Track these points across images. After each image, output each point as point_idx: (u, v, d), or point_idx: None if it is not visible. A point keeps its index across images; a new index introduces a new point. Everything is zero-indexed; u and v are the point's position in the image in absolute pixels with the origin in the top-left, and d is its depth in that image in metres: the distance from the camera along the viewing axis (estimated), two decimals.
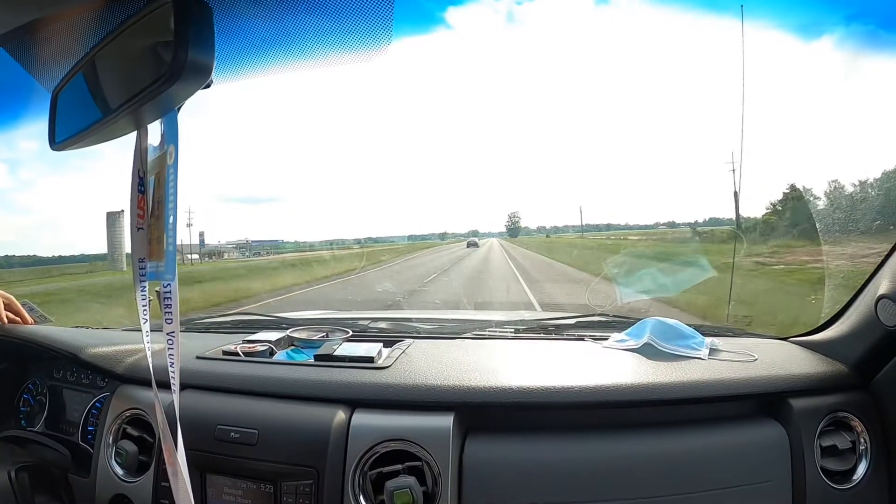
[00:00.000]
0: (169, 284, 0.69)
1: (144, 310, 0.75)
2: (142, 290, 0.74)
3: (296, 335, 1.23)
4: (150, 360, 0.77)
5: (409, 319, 1.45)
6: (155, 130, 0.72)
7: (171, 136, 0.67)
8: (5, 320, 1.25)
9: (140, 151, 0.72)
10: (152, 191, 0.71)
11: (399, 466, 0.90)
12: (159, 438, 0.99)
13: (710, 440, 0.97)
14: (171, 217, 0.66)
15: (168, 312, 0.69)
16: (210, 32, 0.60)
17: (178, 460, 0.76)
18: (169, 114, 0.68)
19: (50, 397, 1.32)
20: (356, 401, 0.97)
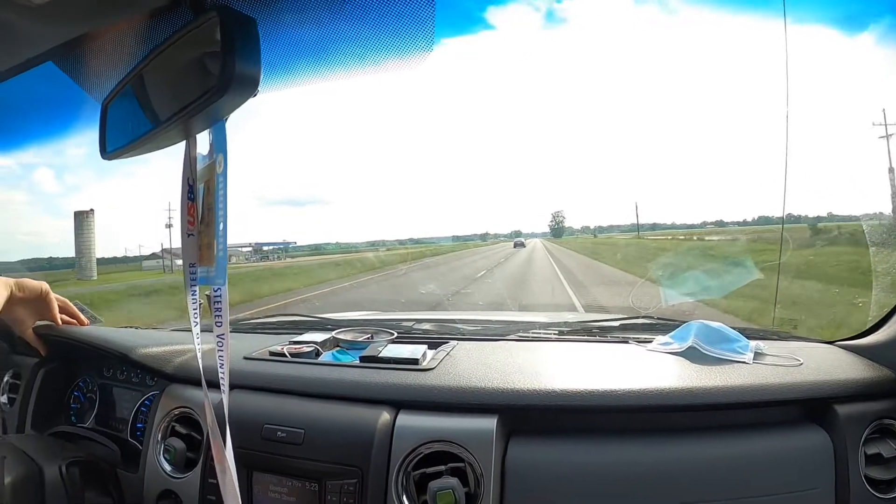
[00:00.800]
0: (219, 288, 0.71)
1: (195, 312, 0.78)
2: (192, 294, 0.77)
3: (341, 336, 1.25)
4: (200, 361, 0.80)
5: (453, 321, 1.46)
6: (203, 139, 0.74)
7: (219, 145, 0.70)
8: (59, 322, 1.30)
9: (189, 160, 0.75)
10: (202, 198, 0.74)
11: (442, 467, 0.91)
12: (207, 436, 1.02)
13: (754, 446, 0.95)
14: (222, 224, 0.69)
15: (218, 315, 0.72)
16: (256, 44, 0.63)
17: (227, 458, 0.79)
18: (217, 124, 0.70)
19: (100, 395, 1.37)
20: (401, 402, 0.99)
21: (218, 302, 0.72)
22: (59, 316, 1.30)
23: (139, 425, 1.26)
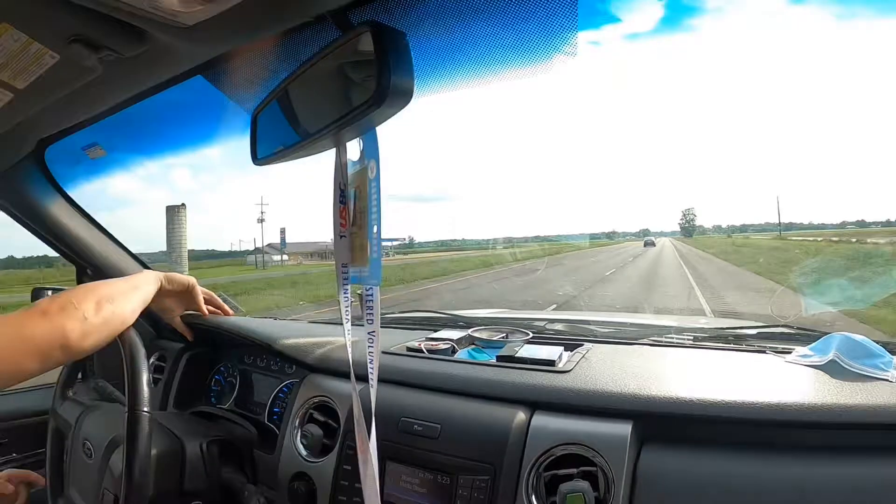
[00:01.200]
0: (372, 288, 0.76)
1: (346, 310, 0.83)
2: (344, 292, 0.82)
3: (477, 335, 1.28)
4: (350, 355, 0.85)
5: (587, 322, 1.45)
6: (353, 145, 0.79)
7: (371, 152, 0.74)
8: (206, 312, 1.41)
9: (340, 166, 0.80)
10: (353, 202, 0.78)
11: (574, 470, 0.91)
12: (343, 425, 1.08)
13: (892, 470, 0.88)
14: (376, 227, 0.73)
15: (370, 313, 0.76)
16: (408, 57, 0.66)
17: (370, 448, 0.83)
18: (368, 133, 0.74)
19: (240, 380, 1.49)
20: (536, 403, 1.00)
21: (370, 300, 0.76)
22: (204, 307, 1.41)
23: (276, 410, 1.35)
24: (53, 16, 0.82)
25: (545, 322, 1.45)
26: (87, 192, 1.75)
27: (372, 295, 0.76)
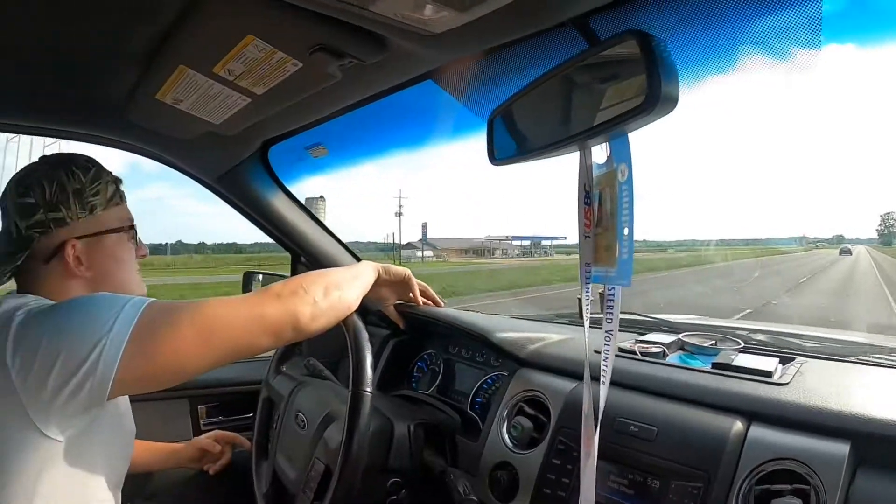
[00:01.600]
0: (613, 288, 0.77)
1: (587, 309, 0.85)
2: (586, 291, 0.84)
3: (688, 340, 1.26)
4: (587, 354, 0.87)
5: (790, 335, 1.37)
6: (597, 147, 0.80)
7: (623, 156, 0.75)
8: (420, 303, 1.50)
9: (585, 168, 0.82)
10: (598, 204, 0.80)
11: (787, 486, 0.87)
12: (555, 420, 1.10)
13: None
14: (627, 229, 0.74)
15: (610, 313, 0.78)
16: (673, 63, 0.66)
17: (594, 446, 0.85)
18: (618, 138, 0.76)
19: (443, 368, 1.56)
20: (753, 414, 0.96)
21: (611, 300, 0.78)
22: (420, 297, 1.50)
23: (479, 400, 1.41)
24: (298, 27, 0.89)
25: (747, 332, 1.38)
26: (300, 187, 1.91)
27: (613, 295, 0.77)
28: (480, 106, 1.13)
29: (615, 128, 0.70)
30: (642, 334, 1.34)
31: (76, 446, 0.87)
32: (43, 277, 1.00)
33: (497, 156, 0.96)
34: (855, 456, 0.89)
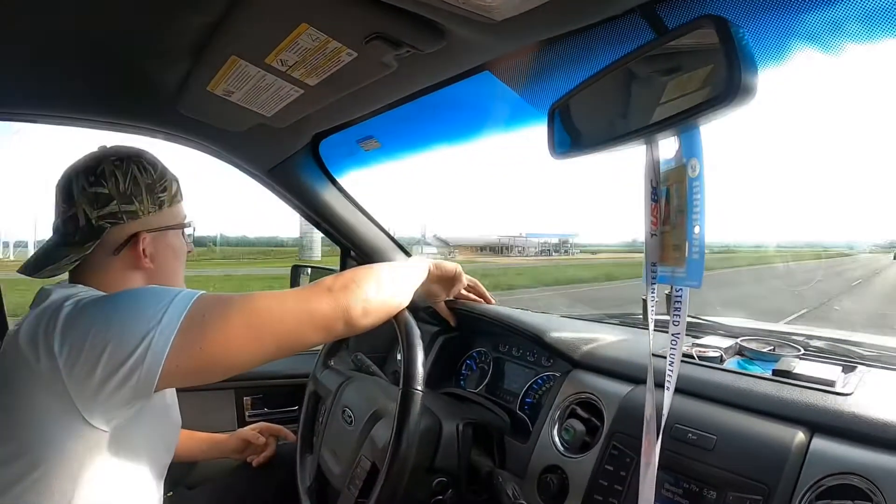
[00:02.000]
0: (681, 289, 0.73)
1: (652, 309, 0.81)
2: (652, 292, 0.80)
3: (746, 344, 1.20)
4: (651, 359, 0.83)
5: (854, 343, 1.30)
6: (665, 142, 0.77)
7: (693, 150, 0.71)
8: (471, 299, 1.47)
9: (652, 163, 0.78)
10: (666, 200, 0.76)
11: (849, 503, 0.82)
12: (609, 424, 1.07)
13: None
14: (698, 227, 0.70)
15: (677, 315, 0.74)
16: (751, 51, 0.62)
17: (654, 454, 0.81)
18: (688, 131, 0.72)
19: (493, 367, 1.53)
20: (816, 425, 0.91)
21: (678, 302, 0.74)
22: (470, 294, 1.48)
23: (528, 400, 1.37)
24: (354, 14, 0.87)
25: (805, 337, 1.32)
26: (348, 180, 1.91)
27: (681, 296, 0.74)
28: (539, 98, 1.10)
29: (688, 120, 0.66)
30: (697, 337, 1.29)
31: (121, 437, 0.87)
32: (106, 268, 1.01)
33: (558, 150, 0.92)
34: None
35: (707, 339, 1.26)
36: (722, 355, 1.16)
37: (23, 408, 0.81)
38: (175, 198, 1.08)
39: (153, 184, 1.02)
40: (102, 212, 0.98)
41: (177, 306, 0.83)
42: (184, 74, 1.24)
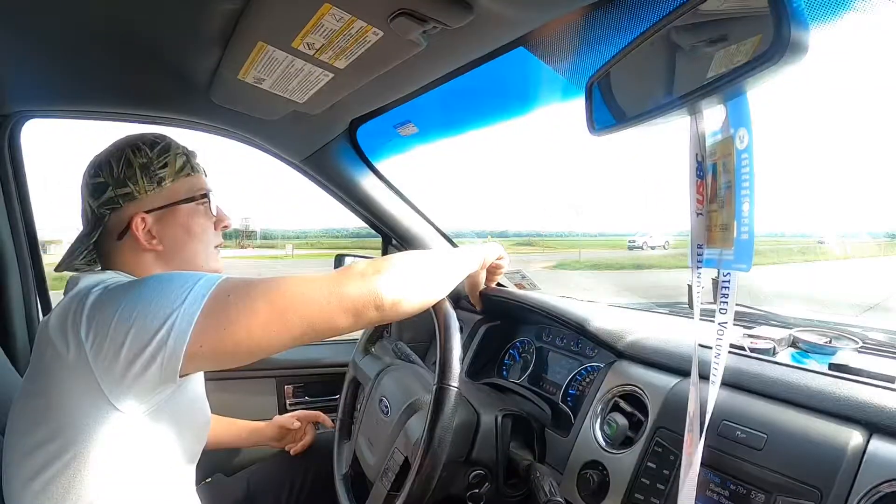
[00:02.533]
0: (729, 273, 0.67)
1: (698, 295, 0.75)
2: (698, 276, 0.74)
3: (802, 336, 1.13)
4: (696, 349, 0.78)
5: None
6: (711, 113, 0.70)
7: (741, 119, 0.65)
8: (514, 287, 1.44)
9: (698, 136, 0.72)
10: (713, 176, 0.70)
11: None
12: (654, 419, 1.01)
13: None
14: (747, 204, 0.64)
15: (724, 301, 0.68)
16: (800, 3, 0.55)
17: (697, 452, 0.76)
18: (735, 98, 0.65)
19: (535, 357, 1.48)
20: (875, 425, 0.83)
21: (726, 287, 0.68)
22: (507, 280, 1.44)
23: (571, 392, 1.32)
24: None
25: (862, 329, 1.22)
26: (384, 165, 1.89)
27: (728, 282, 0.67)
28: (577, 72, 1.05)
29: (734, 83, 0.60)
30: (749, 328, 1.21)
31: (149, 424, 0.87)
32: (118, 254, 1.02)
33: (597, 126, 0.86)
34: None
35: (759, 330, 1.18)
36: (775, 347, 1.08)
37: (55, 392, 0.82)
38: (181, 172, 1.05)
39: (148, 162, 1.01)
40: (101, 199, 1.00)
41: (201, 288, 0.82)
42: (214, 64, 1.23)
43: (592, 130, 0.87)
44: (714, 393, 0.73)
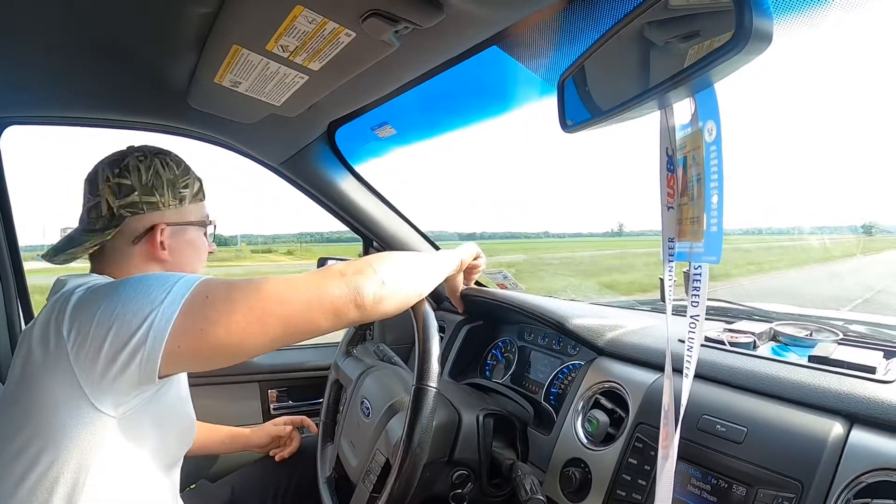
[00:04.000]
0: (700, 266, 0.67)
1: (670, 289, 0.75)
2: (669, 271, 0.74)
3: (782, 329, 1.13)
4: (668, 343, 0.78)
5: (889, 326, 1.22)
6: (681, 106, 0.71)
7: (709, 111, 0.65)
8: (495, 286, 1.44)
9: (668, 129, 0.72)
10: (683, 170, 0.70)
11: (891, 501, 0.75)
12: (633, 415, 1.01)
13: None
14: (716, 196, 0.64)
15: (696, 295, 0.68)
16: None
17: (673, 445, 0.76)
18: (703, 91, 0.66)
19: (518, 357, 1.48)
20: (855, 415, 0.84)
21: (697, 280, 0.68)
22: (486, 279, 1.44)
23: (553, 391, 1.33)
24: None
25: (844, 322, 1.23)
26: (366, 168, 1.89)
27: (700, 275, 0.67)
28: (549, 70, 1.05)
29: (700, 73, 0.60)
30: (730, 323, 1.22)
31: (129, 425, 0.87)
32: (125, 256, 1.04)
33: (569, 123, 0.86)
34: None
35: (740, 324, 1.19)
36: (755, 341, 1.09)
37: (36, 395, 0.81)
38: (197, 196, 1.11)
39: (175, 179, 1.05)
40: (124, 201, 1.01)
41: (180, 287, 0.82)
42: (191, 68, 1.23)
43: (565, 127, 0.87)
44: (687, 386, 0.73)
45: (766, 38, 0.55)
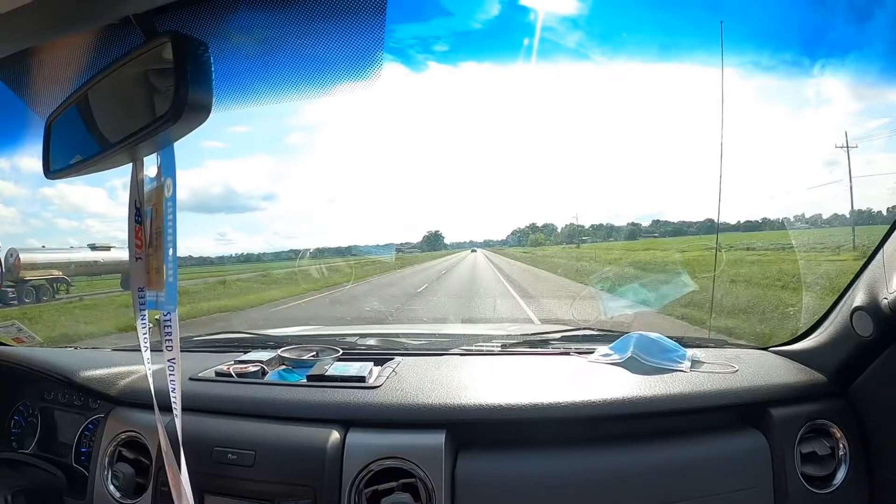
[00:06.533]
0: (169, 313, 0.71)
1: (145, 336, 0.77)
2: (142, 318, 0.76)
3: (286, 355, 1.23)
4: (151, 385, 0.79)
5: (397, 335, 1.45)
6: (151, 161, 0.73)
7: (168, 169, 0.69)
8: None
9: (136, 183, 0.74)
10: (150, 221, 0.73)
11: (394, 484, 0.92)
12: (156, 461, 1.00)
13: (695, 450, 1.00)
14: (171, 249, 0.68)
15: (169, 339, 0.71)
16: (208, 70, 0.62)
17: (182, 483, 0.78)
18: (166, 148, 0.69)
19: (41, 419, 1.33)
20: (350, 420, 0.99)
21: (168, 326, 0.71)
22: None
23: (83, 450, 1.23)
24: None
25: (356, 337, 1.43)
26: None
27: (170, 320, 0.71)
28: (46, 108, 0.97)
29: (147, 137, 0.63)
30: (246, 352, 1.30)
31: None
32: None
33: (53, 167, 0.81)
34: (453, 442, 0.97)
35: (251, 354, 1.27)
36: (263, 368, 1.19)
37: None
38: None
39: None
40: None
41: None
42: None
43: (47, 173, 0.81)
44: (179, 424, 0.76)
45: (204, 110, 0.61)
